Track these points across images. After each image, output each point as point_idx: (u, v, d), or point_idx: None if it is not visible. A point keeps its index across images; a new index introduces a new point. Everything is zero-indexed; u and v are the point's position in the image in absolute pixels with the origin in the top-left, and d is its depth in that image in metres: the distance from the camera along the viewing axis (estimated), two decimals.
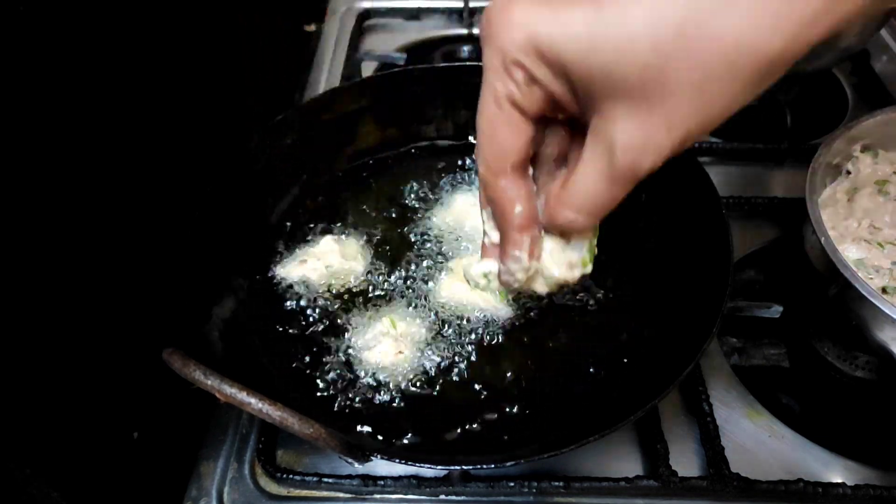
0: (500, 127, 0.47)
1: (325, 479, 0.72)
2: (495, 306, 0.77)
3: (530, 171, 0.51)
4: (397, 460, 0.61)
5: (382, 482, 0.71)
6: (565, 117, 0.49)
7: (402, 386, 0.73)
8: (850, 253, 0.76)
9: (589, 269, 0.58)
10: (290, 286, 0.82)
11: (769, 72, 0.39)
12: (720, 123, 0.42)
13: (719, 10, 0.37)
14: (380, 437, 0.69)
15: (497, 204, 0.50)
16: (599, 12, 0.40)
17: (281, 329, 0.78)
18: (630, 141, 0.42)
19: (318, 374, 0.74)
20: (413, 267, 0.83)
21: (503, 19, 0.43)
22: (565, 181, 0.48)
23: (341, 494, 0.74)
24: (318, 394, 0.73)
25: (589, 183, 0.46)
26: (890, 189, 0.84)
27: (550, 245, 0.55)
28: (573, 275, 0.57)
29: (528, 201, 0.50)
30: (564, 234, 0.54)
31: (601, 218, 0.49)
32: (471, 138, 1.00)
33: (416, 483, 0.71)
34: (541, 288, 0.58)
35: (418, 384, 0.73)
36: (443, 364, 0.74)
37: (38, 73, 0.70)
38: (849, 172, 0.87)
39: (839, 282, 0.69)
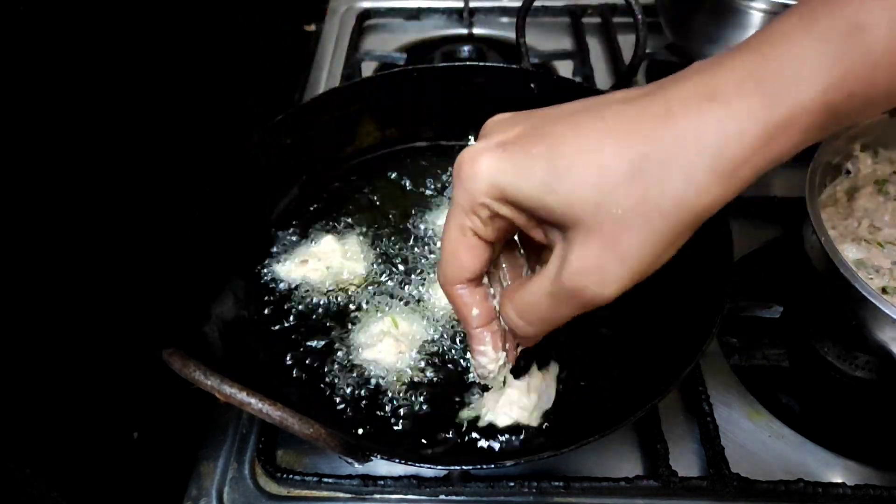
0: (462, 251, 0.51)
1: (325, 479, 0.72)
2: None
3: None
4: (397, 460, 0.61)
5: (382, 482, 0.71)
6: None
7: (402, 385, 0.73)
8: (850, 253, 0.76)
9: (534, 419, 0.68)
10: (291, 286, 0.82)
11: (707, 216, 0.44)
12: (667, 259, 0.46)
13: (657, 168, 0.42)
14: (380, 435, 0.69)
15: (457, 310, 0.56)
16: (553, 164, 0.44)
17: (281, 329, 0.78)
18: (581, 265, 0.45)
19: (318, 373, 0.74)
20: (414, 266, 0.83)
21: (472, 169, 0.47)
22: (522, 283, 0.52)
23: (341, 494, 0.74)
24: (318, 393, 0.73)
25: (535, 292, 0.50)
26: (890, 189, 0.83)
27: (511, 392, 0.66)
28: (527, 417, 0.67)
29: (483, 303, 0.55)
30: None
31: (543, 331, 0.53)
32: (471, 139, 1.00)
33: (416, 483, 0.71)
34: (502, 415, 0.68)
35: (418, 384, 0.73)
36: (442, 364, 0.74)
37: (38, 73, 0.70)
38: (848, 172, 0.87)
39: (839, 282, 0.69)
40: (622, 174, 0.42)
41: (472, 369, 0.66)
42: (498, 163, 0.47)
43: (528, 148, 0.46)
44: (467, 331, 0.57)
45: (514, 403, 0.67)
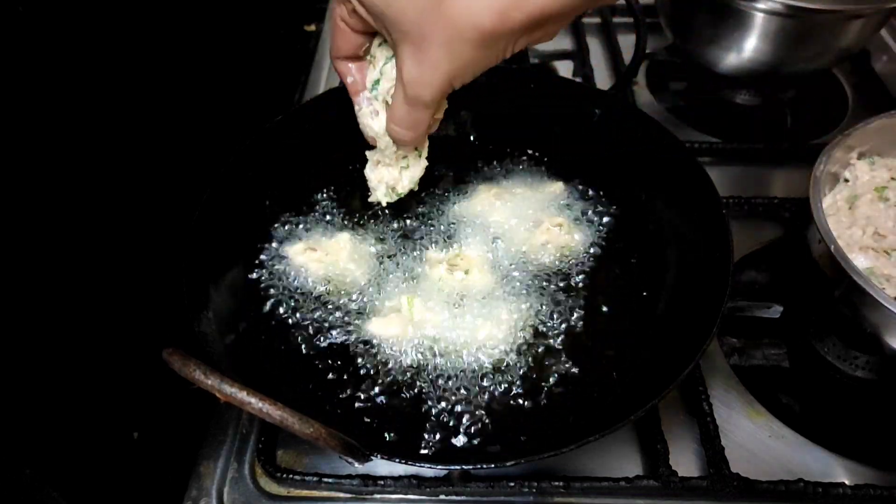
0: (336, 35, 0.68)
1: (325, 479, 0.72)
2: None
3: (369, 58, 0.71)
4: (397, 460, 0.61)
5: (382, 482, 0.71)
6: None
7: (400, 384, 0.73)
8: (858, 262, 0.76)
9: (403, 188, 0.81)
10: (290, 286, 0.82)
11: (492, 41, 0.55)
12: (476, 73, 0.59)
13: None
14: (379, 427, 0.69)
15: (340, 78, 0.73)
16: None
17: (281, 328, 0.78)
18: (410, 75, 0.60)
19: (317, 372, 0.74)
20: (414, 266, 0.83)
21: None
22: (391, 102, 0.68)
23: (341, 494, 0.74)
24: (318, 391, 0.73)
25: (397, 104, 0.65)
26: (889, 195, 0.84)
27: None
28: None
29: (358, 73, 0.71)
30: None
31: (418, 132, 0.67)
32: (471, 138, 1.00)
33: (416, 483, 0.71)
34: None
35: (417, 383, 0.73)
36: (443, 364, 0.74)
37: (38, 73, 0.70)
38: (846, 180, 0.87)
39: (853, 290, 0.70)
40: None
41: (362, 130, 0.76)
42: None
43: None
44: (351, 94, 0.73)
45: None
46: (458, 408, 0.71)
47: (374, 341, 0.76)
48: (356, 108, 0.74)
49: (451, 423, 0.70)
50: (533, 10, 0.53)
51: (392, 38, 0.59)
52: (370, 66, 0.71)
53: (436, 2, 0.54)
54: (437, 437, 0.68)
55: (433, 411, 0.70)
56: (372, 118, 0.73)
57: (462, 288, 0.80)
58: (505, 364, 0.74)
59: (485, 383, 0.73)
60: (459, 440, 0.68)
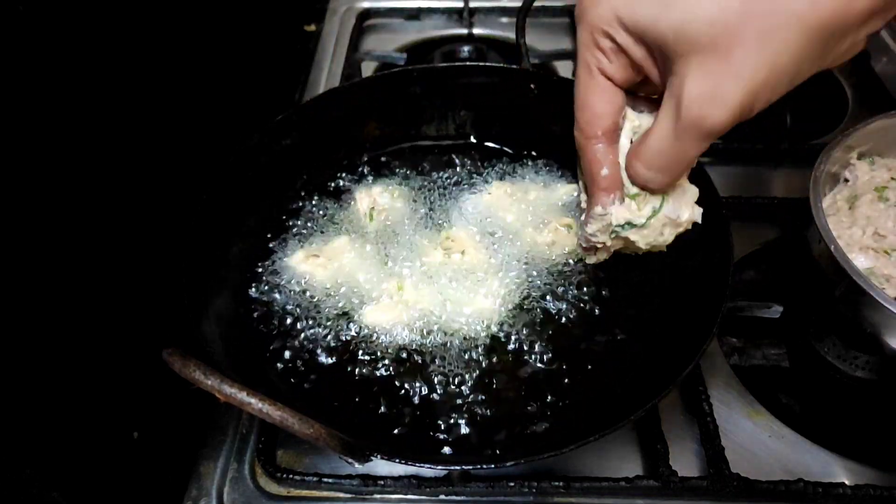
0: (592, 94, 0.53)
1: (325, 479, 0.72)
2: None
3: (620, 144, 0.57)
4: (397, 460, 0.61)
5: (382, 482, 0.71)
6: (651, 91, 0.54)
7: (398, 384, 0.73)
8: (858, 262, 0.76)
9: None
10: (290, 286, 0.82)
11: (827, 33, 0.43)
12: (788, 87, 0.45)
13: None
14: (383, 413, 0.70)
15: (586, 165, 0.56)
16: None
17: (281, 327, 0.78)
18: (698, 92, 0.46)
19: (317, 372, 0.74)
20: (412, 264, 0.83)
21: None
22: (642, 139, 0.53)
23: (341, 494, 0.74)
24: (315, 390, 0.73)
25: (659, 138, 0.50)
26: (889, 195, 0.84)
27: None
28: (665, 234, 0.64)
29: (613, 166, 0.56)
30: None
31: (674, 176, 0.53)
32: (471, 138, 1.00)
33: (416, 483, 0.71)
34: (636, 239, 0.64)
35: (418, 385, 0.73)
36: (442, 365, 0.74)
37: (39, 72, 0.70)
38: (846, 180, 0.88)
39: (853, 291, 0.70)
40: None
41: (578, 237, 0.65)
42: None
43: None
44: (591, 192, 0.57)
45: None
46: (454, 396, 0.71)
47: (375, 333, 0.76)
48: (594, 206, 0.56)
49: (450, 421, 0.70)
50: None
51: (672, 55, 0.46)
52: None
53: None
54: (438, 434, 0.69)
55: (429, 407, 0.70)
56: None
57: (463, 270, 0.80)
58: (502, 366, 0.74)
59: (487, 386, 0.73)
60: (462, 429, 0.68)
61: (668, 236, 0.65)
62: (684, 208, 0.62)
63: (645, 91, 0.55)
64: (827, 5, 0.41)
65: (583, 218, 0.65)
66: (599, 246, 0.61)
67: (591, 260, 0.73)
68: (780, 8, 0.42)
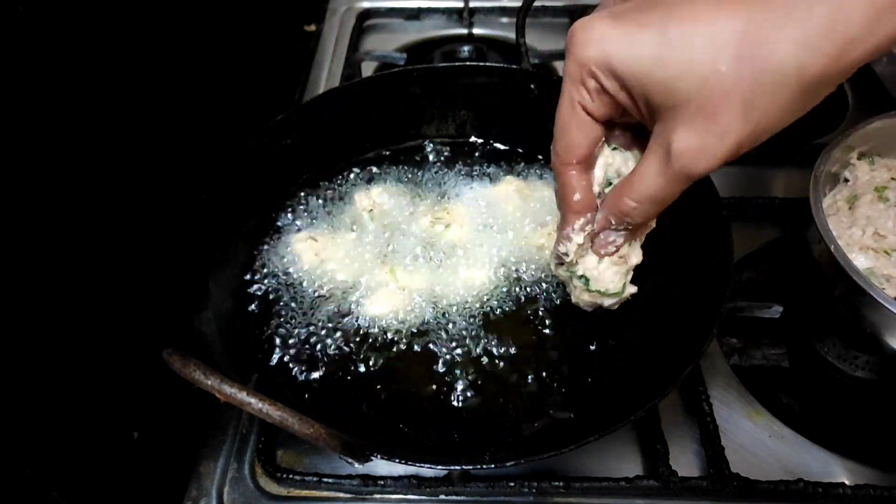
0: (571, 126, 0.54)
1: (325, 479, 0.72)
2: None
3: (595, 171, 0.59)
4: (397, 460, 0.61)
5: (382, 482, 0.71)
6: (631, 123, 0.55)
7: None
8: (858, 262, 0.76)
9: (617, 296, 0.66)
10: (291, 284, 0.82)
11: (815, 89, 0.44)
12: (770, 136, 0.47)
13: (770, 34, 0.42)
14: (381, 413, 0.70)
15: (561, 189, 0.58)
16: (664, 35, 0.45)
17: (281, 327, 0.78)
18: (685, 146, 0.48)
19: (316, 372, 0.74)
20: (412, 264, 0.83)
21: (584, 36, 0.49)
22: (628, 178, 0.55)
23: (341, 494, 0.74)
24: (315, 389, 0.73)
25: (648, 178, 0.52)
26: (889, 195, 0.84)
27: (600, 263, 0.63)
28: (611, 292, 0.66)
29: (586, 192, 0.58)
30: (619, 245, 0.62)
31: (657, 211, 0.55)
32: (472, 137, 1.00)
33: (416, 483, 0.71)
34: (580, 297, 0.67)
35: (416, 384, 0.73)
36: (442, 366, 0.74)
37: (39, 72, 0.70)
38: (846, 180, 0.88)
39: (854, 291, 0.70)
40: (734, 46, 0.43)
41: (549, 257, 0.66)
42: (609, 31, 0.48)
43: (640, 18, 0.47)
44: (563, 214, 0.60)
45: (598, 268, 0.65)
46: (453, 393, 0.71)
47: (374, 328, 0.77)
48: (565, 227, 0.60)
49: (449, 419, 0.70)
50: (881, 40, 0.42)
51: (657, 109, 0.48)
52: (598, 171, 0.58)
53: (740, 55, 0.43)
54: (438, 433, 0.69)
55: (430, 405, 0.71)
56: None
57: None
58: (502, 367, 0.74)
59: (491, 387, 0.73)
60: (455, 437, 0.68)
61: (617, 283, 0.66)
62: (633, 257, 0.66)
63: (623, 121, 0.56)
64: (816, 65, 0.42)
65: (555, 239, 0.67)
66: (565, 260, 0.63)
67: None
68: (769, 69, 0.43)
